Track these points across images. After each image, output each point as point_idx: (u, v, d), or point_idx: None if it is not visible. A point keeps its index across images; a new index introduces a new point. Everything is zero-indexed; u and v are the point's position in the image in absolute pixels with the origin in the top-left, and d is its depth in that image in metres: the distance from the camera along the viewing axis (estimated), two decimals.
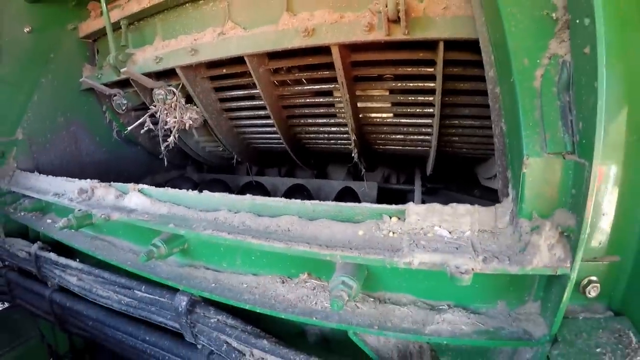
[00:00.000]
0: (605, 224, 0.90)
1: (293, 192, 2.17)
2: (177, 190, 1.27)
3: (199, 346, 1.24)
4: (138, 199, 1.31)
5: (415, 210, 0.91)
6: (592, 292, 0.93)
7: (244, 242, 0.96)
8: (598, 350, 0.85)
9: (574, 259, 0.83)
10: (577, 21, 0.83)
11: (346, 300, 0.83)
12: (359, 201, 2.23)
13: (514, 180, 0.93)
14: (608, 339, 0.88)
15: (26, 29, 2.23)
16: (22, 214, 2.06)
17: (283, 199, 1.06)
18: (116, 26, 2.02)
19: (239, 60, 1.69)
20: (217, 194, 1.17)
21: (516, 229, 0.91)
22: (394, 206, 0.95)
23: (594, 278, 0.93)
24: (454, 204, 0.91)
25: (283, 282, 1.05)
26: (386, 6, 1.28)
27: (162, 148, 2.10)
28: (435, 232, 0.89)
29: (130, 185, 1.40)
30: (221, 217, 1.11)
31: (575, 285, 0.90)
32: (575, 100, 0.85)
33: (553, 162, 0.86)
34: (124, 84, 2.24)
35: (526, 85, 0.89)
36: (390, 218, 0.95)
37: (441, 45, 1.37)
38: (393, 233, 0.92)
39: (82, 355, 2.55)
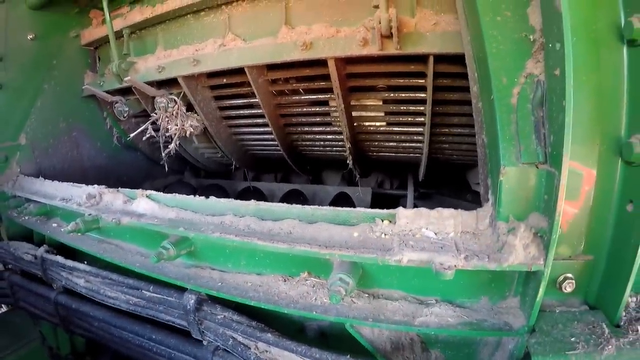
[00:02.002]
0: (580, 225, 1.00)
1: (289, 198, 2.25)
2: (184, 195, 1.35)
3: (205, 342, 1.32)
4: (146, 204, 1.39)
5: (404, 214, 1.01)
6: (568, 287, 1.03)
7: (250, 244, 1.04)
8: (572, 339, 0.94)
9: (547, 257, 0.93)
10: (550, 45, 0.93)
11: (343, 295, 0.92)
12: (354, 206, 2.32)
13: (493, 187, 1.03)
14: (582, 330, 0.96)
15: (30, 36, 2.29)
16: (27, 218, 2.11)
17: (285, 204, 1.15)
18: (118, 35, 2.09)
19: (238, 70, 1.78)
20: (223, 200, 1.26)
21: (495, 231, 1.01)
22: (385, 210, 1.05)
23: (569, 275, 1.02)
24: (440, 209, 1.01)
25: (285, 281, 1.14)
26: (379, 22, 1.37)
27: (163, 154, 2.17)
28: (423, 233, 0.99)
29: (138, 191, 1.47)
30: (227, 221, 1.19)
31: (551, 281, 1.01)
32: (548, 116, 0.96)
33: (527, 171, 0.96)
34: (125, 91, 2.31)
35: (504, 102, 0.99)
36: (382, 221, 1.04)
37: (431, 59, 1.47)
38: (385, 234, 1.02)
39: (83, 357, 2.58)
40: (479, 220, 1.01)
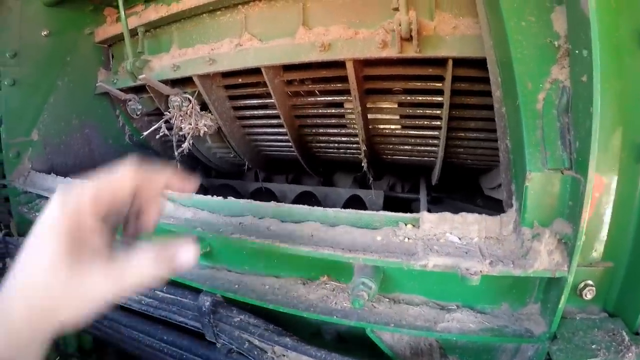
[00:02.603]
0: (601, 232, 1.00)
1: (301, 199, 2.23)
2: (201, 195, 1.34)
3: (218, 345, 1.31)
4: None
5: (428, 218, 1.00)
6: (588, 294, 1.02)
7: (271, 246, 1.04)
8: (594, 346, 0.94)
9: (570, 263, 0.93)
10: (577, 52, 0.92)
11: (366, 299, 0.92)
12: (366, 209, 2.31)
13: (517, 192, 1.02)
14: (603, 337, 0.96)
15: (44, 33, 2.29)
16: (37, 214, 2.11)
17: (306, 207, 1.14)
18: (133, 33, 2.08)
19: (254, 70, 1.77)
20: (242, 200, 1.25)
21: (519, 236, 1.00)
22: (409, 214, 1.04)
23: (589, 282, 1.02)
24: (464, 213, 1.00)
25: (304, 284, 1.13)
26: (399, 25, 1.37)
27: (176, 154, 2.17)
28: (447, 238, 0.98)
29: None
30: (246, 222, 1.18)
31: (572, 288, 1.00)
32: (573, 122, 0.95)
33: (552, 177, 0.96)
34: (139, 89, 2.31)
35: (530, 107, 0.98)
36: (406, 225, 1.04)
37: (450, 63, 1.46)
38: (408, 239, 1.01)
39: (90, 355, 2.57)
40: (503, 225, 1.01)
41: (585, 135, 0.88)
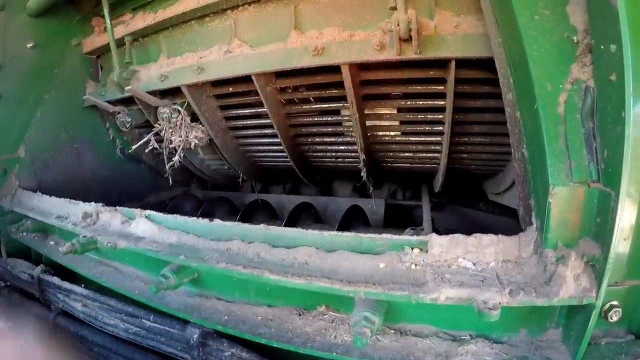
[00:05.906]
0: (625, 248, 0.88)
1: (299, 210, 2.12)
2: (186, 217, 1.23)
3: None
4: (145, 226, 1.27)
5: (438, 242, 0.88)
6: (614, 316, 0.92)
7: (261, 277, 0.92)
8: None
9: (599, 288, 0.82)
10: (602, 47, 0.81)
11: (369, 336, 0.80)
12: (367, 219, 2.20)
13: (537, 208, 0.91)
14: None
15: (29, 45, 2.21)
16: (24, 234, 2.02)
17: (299, 230, 1.03)
18: (120, 42, 2.00)
19: (245, 78, 1.67)
20: (228, 223, 1.14)
21: (541, 259, 0.88)
22: (415, 237, 0.93)
23: (615, 303, 0.92)
24: (478, 234, 0.88)
25: (300, 315, 1.01)
26: (398, 25, 1.26)
27: (167, 167, 2.06)
28: (460, 264, 0.86)
29: (137, 211, 1.36)
30: (234, 247, 1.07)
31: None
32: (600, 128, 0.84)
33: (578, 191, 0.84)
34: (128, 101, 2.22)
35: (550, 111, 0.87)
36: (412, 249, 0.92)
37: (453, 64, 1.35)
38: (415, 265, 0.89)
39: None
40: (522, 246, 0.89)
41: (616, 142, 0.77)
